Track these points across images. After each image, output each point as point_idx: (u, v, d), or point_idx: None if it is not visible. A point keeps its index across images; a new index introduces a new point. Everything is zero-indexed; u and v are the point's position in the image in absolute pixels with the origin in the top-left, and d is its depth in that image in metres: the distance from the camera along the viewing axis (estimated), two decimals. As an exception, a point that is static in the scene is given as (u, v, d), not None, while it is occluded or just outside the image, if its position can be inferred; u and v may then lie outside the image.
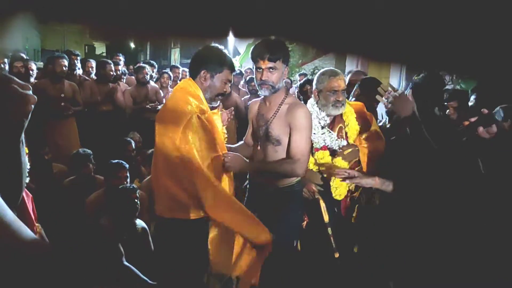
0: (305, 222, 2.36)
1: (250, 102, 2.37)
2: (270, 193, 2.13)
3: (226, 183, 1.97)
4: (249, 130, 2.37)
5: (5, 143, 0.79)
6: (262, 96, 2.13)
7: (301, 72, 8.66)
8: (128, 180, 2.93)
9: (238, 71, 5.91)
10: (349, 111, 2.39)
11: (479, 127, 1.39)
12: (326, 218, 2.30)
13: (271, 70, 1.97)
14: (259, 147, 2.16)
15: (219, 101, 2.03)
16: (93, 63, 5.14)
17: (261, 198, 2.16)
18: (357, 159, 2.34)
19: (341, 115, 2.36)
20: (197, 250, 1.89)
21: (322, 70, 2.40)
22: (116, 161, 2.97)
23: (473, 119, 1.41)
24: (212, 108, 2.03)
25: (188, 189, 1.77)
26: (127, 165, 2.96)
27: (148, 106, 4.66)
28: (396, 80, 9.20)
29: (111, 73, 4.63)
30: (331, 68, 2.42)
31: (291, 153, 2.02)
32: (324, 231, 2.30)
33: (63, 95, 4.12)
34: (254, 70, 2.07)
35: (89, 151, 3.26)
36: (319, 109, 2.33)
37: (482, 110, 1.41)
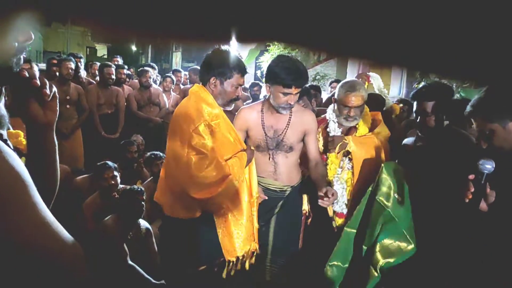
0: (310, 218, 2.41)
1: (241, 109, 2.26)
2: (289, 192, 2.24)
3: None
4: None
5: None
6: (260, 107, 2.17)
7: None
8: (118, 179, 2.94)
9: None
10: (364, 120, 2.39)
11: (481, 204, 1.40)
12: (330, 212, 2.33)
13: (296, 94, 2.03)
14: (269, 158, 2.18)
15: (233, 105, 2.05)
16: (98, 65, 5.18)
17: (278, 200, 2.23)
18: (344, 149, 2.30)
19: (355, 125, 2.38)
20: (202, 245, 2.00)
21: (344, 81, 2.39)
22: (101, 162, 2.98)
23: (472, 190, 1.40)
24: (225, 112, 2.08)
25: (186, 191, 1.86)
26: (113, 165, 2.96)
27: (152, 119, 4.72)
28: (396, 87, 9.28)
29: (111, 76, 4.55)
30: (353, 81, 2.37)
31: (312, 155, 2.21)
32: (329, 225, 2.35)
33: (68, 97, 4.17)
34: (273, 90, 2.04)
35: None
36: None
37: (469, 177, 1.41)
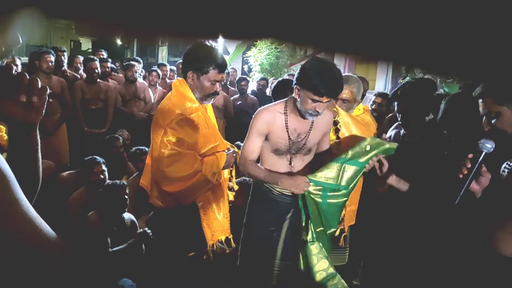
0: None
1: (261, 111, 2.05)
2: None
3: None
4: (256, 143, 2.03)
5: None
6: (282, 109, 2.01)
7: (290, 73, 8.71)
8: (106, 174, 2.93)
9: (226, 71, 5.91)
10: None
11: (472, 185, 1.40)
12: None
13: (326, 102, 1.87)
14: (288, 162, 2.07)
15: (212, 100, 2.05)
16: (81, 59, 5.08)
17: (292, 205, 2.10)
18: None
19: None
20: (188, 234, 2.04)
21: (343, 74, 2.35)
22: (90, 157, 2.97)
23: (467, 166, 1.39)
24: None
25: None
26: (101, 160, 2.95)
27: (136, 113, 4.67)
28: (382, 82, 9.37)
29: (95, 70, 4.43)
30: (347, 75, 2.31)
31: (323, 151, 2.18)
32: None
33: (51, 91, 4.08)
34: (302, 94, 1.88)
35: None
36: None
37: (468, 155, 1.40)
